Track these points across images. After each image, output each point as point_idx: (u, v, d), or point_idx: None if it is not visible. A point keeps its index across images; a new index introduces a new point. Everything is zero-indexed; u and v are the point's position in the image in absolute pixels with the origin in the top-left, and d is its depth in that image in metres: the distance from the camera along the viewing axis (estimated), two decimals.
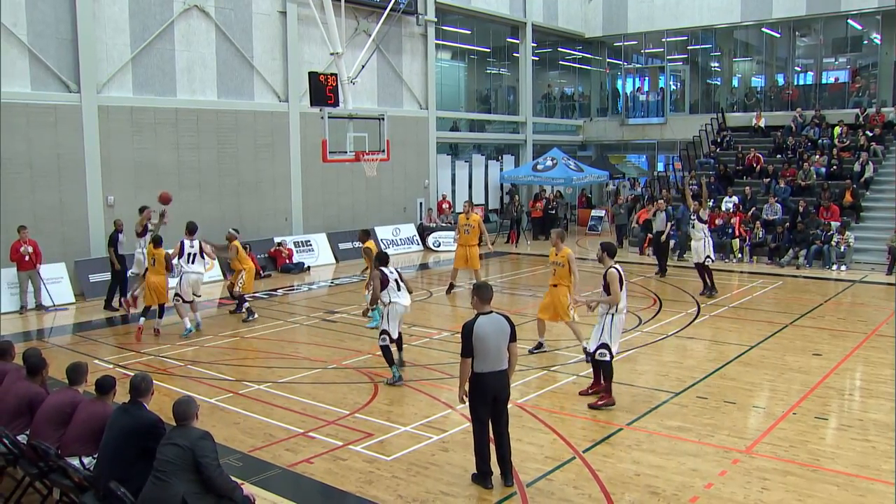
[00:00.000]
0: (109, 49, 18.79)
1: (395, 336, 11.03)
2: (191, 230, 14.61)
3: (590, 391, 10.21)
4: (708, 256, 17.14)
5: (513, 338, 7.36)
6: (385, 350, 10.90)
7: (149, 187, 19.53)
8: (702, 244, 17.13)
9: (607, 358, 9.67)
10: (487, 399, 7.33)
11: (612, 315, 9.74)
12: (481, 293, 7.44)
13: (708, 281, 17.30)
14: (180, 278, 14.46)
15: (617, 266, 9.91)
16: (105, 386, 6.70)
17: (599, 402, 9.74)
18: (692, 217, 17.84)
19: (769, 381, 10.96)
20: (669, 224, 20.84)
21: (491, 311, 7.40)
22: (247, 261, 15.95)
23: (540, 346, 12.63)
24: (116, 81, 18.99)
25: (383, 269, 11.07)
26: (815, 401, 9.98)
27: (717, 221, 23.61)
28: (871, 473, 7.67)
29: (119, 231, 16.81)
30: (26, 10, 17.26)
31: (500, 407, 7.43)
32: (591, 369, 10.27)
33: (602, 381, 9.95)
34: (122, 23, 18.97)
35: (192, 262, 14.44)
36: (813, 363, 11.77)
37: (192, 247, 14.45)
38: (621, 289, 9.76)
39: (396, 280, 11.03)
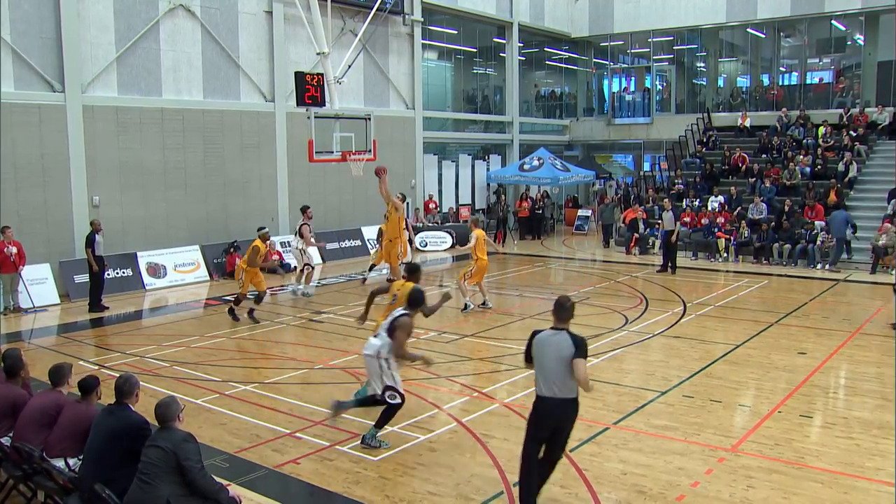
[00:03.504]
0: (94, 48, 18.67)
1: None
2: None
3: None
4: None
5: (577, 353, 6.47)
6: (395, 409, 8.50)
7: (134, 187, 19.50)
8: None
9: None
10: (545, 428, 6.65)
11: None
12: (557, 312, 6.70)
13: None
14: None
15: None
16: (87, 386, 6.65)
17: None
18: None
19: (755, 379, 11.03)
20: (678, 223, 21.01)
21: (562, 330, 6.63)
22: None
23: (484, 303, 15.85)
24: (101, 81, 18.87)
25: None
26: (800, 399, 10.04)
27: (703, 221, 23.76)
28: (855, 471, 7.72)
29: (96, 232, 16.66)
30: (9, 8, 17.12)
31: (560, 440, 6.74)
32: None
33: None
34: (106, 22, 18.86)
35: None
36: (798, 361, 11.84)
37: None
38: None
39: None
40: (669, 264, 20.84)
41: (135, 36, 19.35)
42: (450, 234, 26.45)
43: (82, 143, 18.41)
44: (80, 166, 18.42)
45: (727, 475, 7.63)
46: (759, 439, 8.57)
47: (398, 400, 8.23)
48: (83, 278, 17.37)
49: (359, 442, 8.47)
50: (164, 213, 20.24)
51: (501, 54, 33.00)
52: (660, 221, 22.67)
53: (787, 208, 22.63)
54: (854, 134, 26.28)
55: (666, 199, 22.16)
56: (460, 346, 13.19)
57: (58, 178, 18.08)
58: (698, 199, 25.52)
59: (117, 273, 18.60)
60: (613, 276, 20.49)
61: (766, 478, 7.56)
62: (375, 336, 8.41)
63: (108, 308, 16.68)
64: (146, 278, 19.26)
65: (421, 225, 26.99)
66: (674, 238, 20.80)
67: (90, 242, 16.59)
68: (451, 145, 31.86)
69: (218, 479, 6.12)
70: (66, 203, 18.25)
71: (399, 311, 8.45)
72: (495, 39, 32.90)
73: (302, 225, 18.01)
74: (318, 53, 16.90)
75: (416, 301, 8.57)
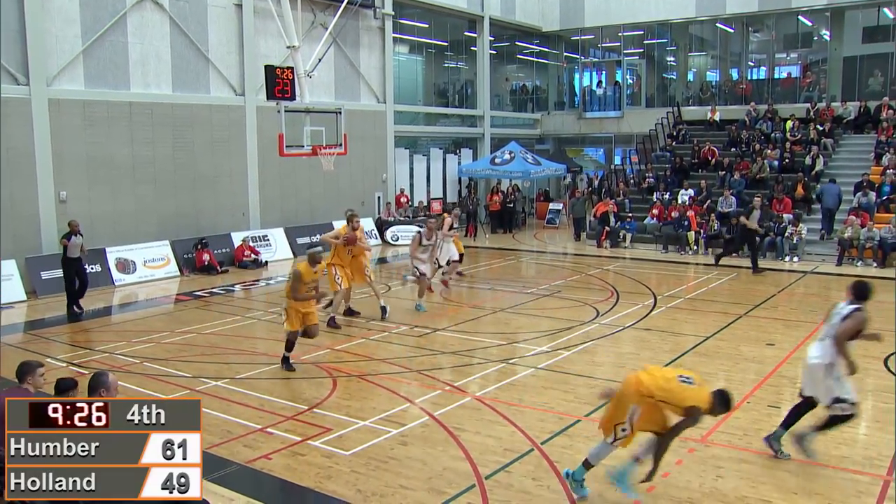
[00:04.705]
0: (60, 41, 18.37)
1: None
2: None
3: None
4: None
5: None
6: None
7: (102, 182, 19.26)
8: None
9: None
10: None
11: None
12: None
13: None
14: None
15: None
16: (64, 386, 6.58)
17: None
18: None
19: (724, 370, 11.15)
20: (768, 224, 21.34)
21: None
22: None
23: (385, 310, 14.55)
24: (67, 74, 18.59)
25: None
26: (768, 390, 10.18)
27: (673, 214, 23.95)
28: (822, 459, 7.81)
29: (73, 233, 15.93)
30: None
31: None
32: None
33: None
34: (72, 14, 18.56)
35: None
36: (766, 353, 11.99)
37: None
38: None
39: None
40: (752, 265, 19.86)
41: (101, 28, 19.07)
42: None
43: (48, 137, 18.11)
44: (47, 161, 18.12)
45: (697, 465, 7.72)
46: (729, 430, 8.66)
47: (850, 412, 7.60)
48: (50, 275, 17.14)
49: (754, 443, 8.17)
50: (133, 208, 20.01)
51: (472, 48, 32.99)
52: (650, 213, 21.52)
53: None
54: (821, 128, 26.62)
55: (757, 198, 21.06)
56: (432, 339, 13.18)
57: (23, 173, 17.78)
58: (668, 193, 25.73)
59: (86, 269, 18.32)
60: (585, 269, 20.60)
61: (735, 467, 7.65)
62: (821, 340, 7.82)
63: (82, 310, 16.23)
64: (115, 274, 19.03)
65: (392, 219, 26.95)
66: (758, 238, 20.41)
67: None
68: (422, 139, 31.82)
69: None
70: (33, 198, 17.96)
71: (845, 305, 7.73)
72: (466, 33, 32.86)
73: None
74: (288, 47, 16.81)
75: (863, 293, 7.74)
